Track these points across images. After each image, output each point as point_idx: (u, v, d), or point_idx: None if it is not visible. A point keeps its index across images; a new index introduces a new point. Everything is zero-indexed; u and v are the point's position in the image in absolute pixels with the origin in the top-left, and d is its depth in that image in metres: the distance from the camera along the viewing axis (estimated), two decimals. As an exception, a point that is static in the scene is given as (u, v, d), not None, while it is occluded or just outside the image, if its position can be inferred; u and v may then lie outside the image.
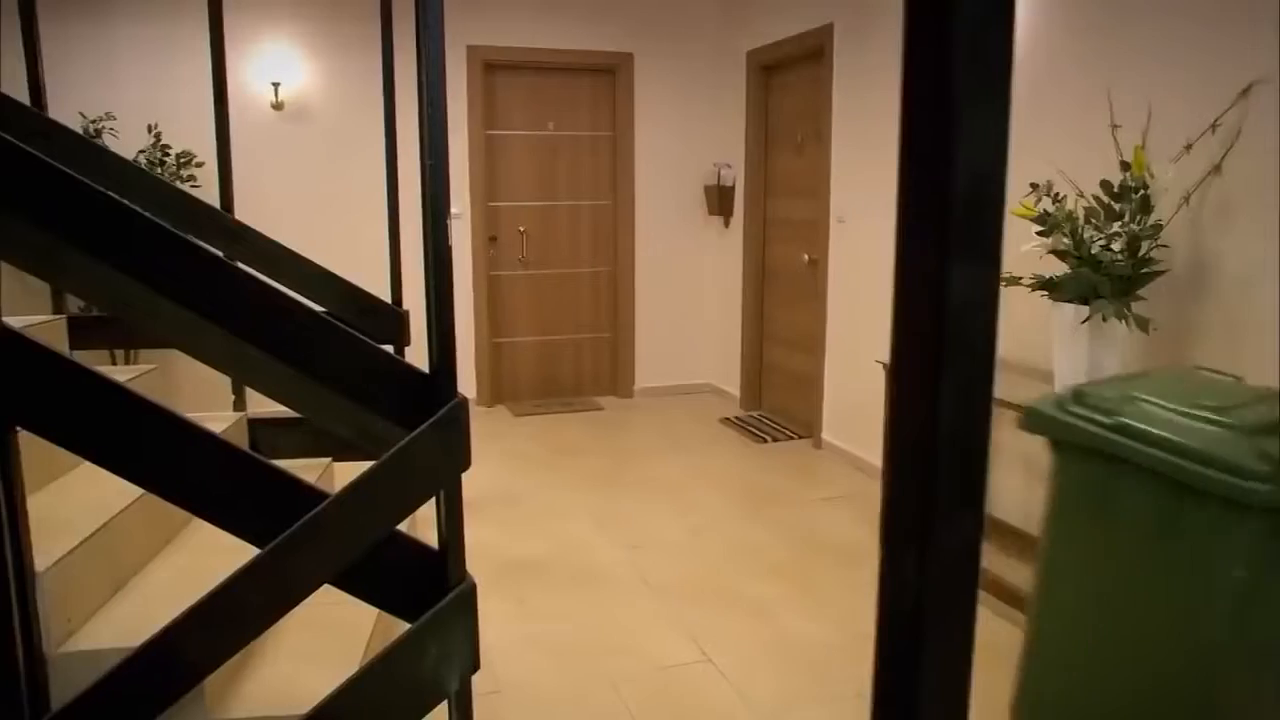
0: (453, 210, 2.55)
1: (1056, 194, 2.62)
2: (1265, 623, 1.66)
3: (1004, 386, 2.92)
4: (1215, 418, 1.74)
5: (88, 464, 2.38)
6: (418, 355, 1.99)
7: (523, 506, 4.01)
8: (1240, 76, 2.46)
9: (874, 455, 4.34)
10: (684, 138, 5.98)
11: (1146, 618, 1.80)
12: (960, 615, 0.45)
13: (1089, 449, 1.89)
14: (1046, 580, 2.04)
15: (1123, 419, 1.84)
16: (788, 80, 5.24)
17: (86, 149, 2.96)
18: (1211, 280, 2.58)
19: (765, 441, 5.04)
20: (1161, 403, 1.83)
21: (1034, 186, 2.62)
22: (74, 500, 2.14)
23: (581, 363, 6.10)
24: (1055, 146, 2.99)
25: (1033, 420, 2.03)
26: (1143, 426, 1.80)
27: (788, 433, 5.18)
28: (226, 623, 1.51)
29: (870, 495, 4.00)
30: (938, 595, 0.44)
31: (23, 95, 2.67)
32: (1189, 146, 2.53)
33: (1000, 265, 0.43)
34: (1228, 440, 1.68)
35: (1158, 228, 2.46)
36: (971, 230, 0.42)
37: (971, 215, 0.42)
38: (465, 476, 1.66)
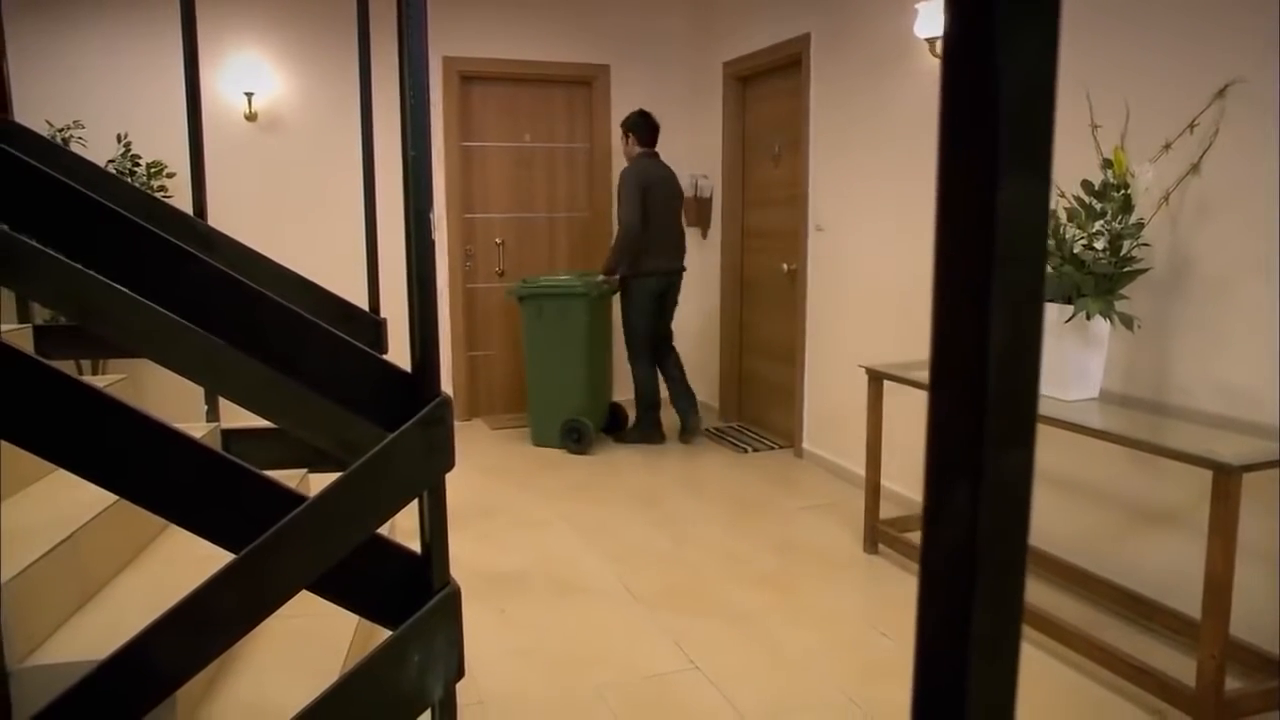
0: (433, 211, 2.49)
1: (1037, 194, 2.62)
2: (588, 335, 4.90)
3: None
4: (581, 280, 4.89)
5: (53, 475, 2.31)
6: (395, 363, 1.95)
7: (502, 519, 3.95)
8: (1216, 77, 2.48)
9: (855, 463, 4.33)
10: (661, 149, 5.97)
11: (561, 347, 4.90)
12: (1014, 544, 0.42)
13: (531, 296, 4.90)
14: (527, 351, 5.04)
15: (541, 283, 4.93)
16: (764, 90, 5.26)
17: (52, 153, 2.89)
18: (1191, 278, 2.59)
19: (746, 452, 5.01)
20: (568, 275, 5.10)
21: (1015, 187, 2.62)
22: (39, 511, 2.07)
23: (559, 376, 6.05)
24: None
25: (512, 293, 4.98)
26: (556, 284, 4.88)
27: (768, 443, 5.16)
28: (201, 630, 1.45)
29: (852, 503, 3.97)
30: (992, 526, 0.41)
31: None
32: (1168, 146, 2.55)
33: (1051, 177, 0.41)
34: (580, 284, 4.82)
35: (1139, 226, 2.47)
36: (1024, 136, 0.39)
37: (1023, 121, 0.39)
38: (443, 488, 1.61)
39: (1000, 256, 0.40)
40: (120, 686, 1.39)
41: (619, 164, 5.91)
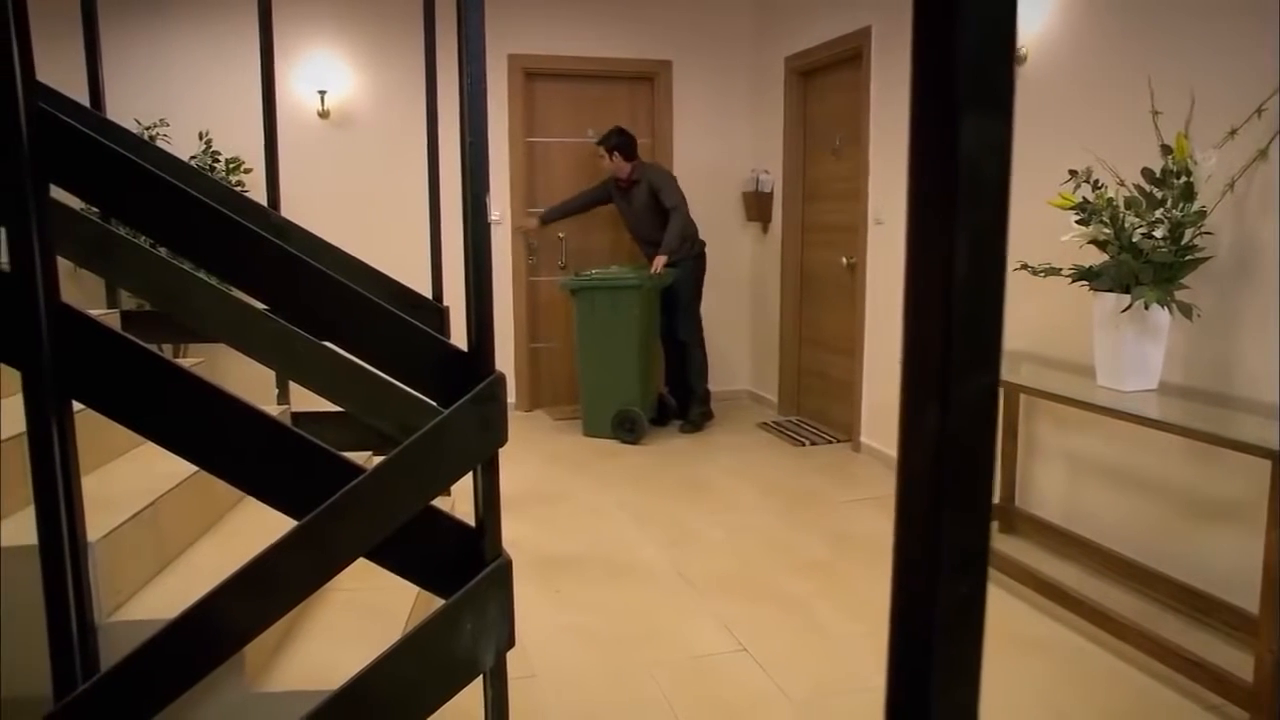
0: (493, 214, 2.57)
1: (1096, 181, 2.59)
2: (641, 326, 4.94)
3: (1044, 381, 2.88)
4: (633, 272, 5.03)
5: (136, 449, 2.45)
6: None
7: (561, 506, 4.03)
8: (1286, 61, 2.42)
9: (913, 458, 4.29)
10: (722, 144, 6.00)
11: (613, 339, 4.97)
12: (979, 460, 0.46)
13: (583, 289, 4.96)
14: (579, 343, 5.10)
15: (594, 276, 5.01)
16: (825, 85, 5.25)
17: (141, 148, 3.06)
18: (1256, 266, 2.52)
19: (803, 445, 5.01)
20: (620, 269, 5.22)
21: (1073, 174, 2.59)
22: (122, 482, 2.20)
23: (619, 369, 6.12)
24: (1094, 134, 2.96)
25: (565, 286, 5.05)
26: (608, 277, 4.97)
27: (826, 436, 5.15)
28: (266, 591, 1.53)
29: (909, 497, 3.94)
30: (959, 444, 0.45)
31: (83, 98, 2.77)
32: (1233, 132, 2.49)
33: (1012, 116, 0.44)
34: (633, 276, 4.90)
35: (1201, 214, 2.42)
36: (982, 78, 0.43)
37: (983, 62, 0.43)
38: (503, 475, 1.66)
39: (963, 191, 0.44)
40: (193, 640, 1.48)
41: (682, 158, 5.97)
